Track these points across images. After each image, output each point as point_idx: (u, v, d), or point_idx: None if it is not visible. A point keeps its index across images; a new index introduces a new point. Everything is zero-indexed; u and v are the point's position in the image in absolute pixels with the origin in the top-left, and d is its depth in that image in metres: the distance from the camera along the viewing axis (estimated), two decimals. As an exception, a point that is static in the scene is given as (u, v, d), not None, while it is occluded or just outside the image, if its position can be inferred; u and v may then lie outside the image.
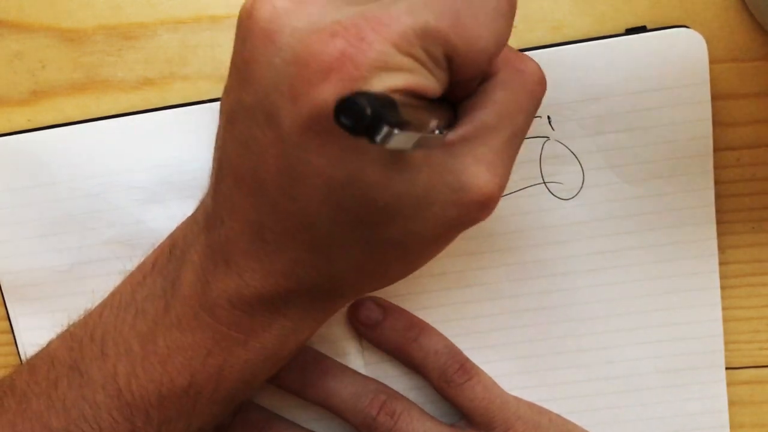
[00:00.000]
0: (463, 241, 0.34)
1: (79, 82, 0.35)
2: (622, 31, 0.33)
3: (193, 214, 0.29)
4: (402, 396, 0.35)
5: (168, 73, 0.35)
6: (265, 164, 0.24)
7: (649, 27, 0.32)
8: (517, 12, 0.33)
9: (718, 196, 0.34)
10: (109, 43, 0.35)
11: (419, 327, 0.35)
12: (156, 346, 0.27)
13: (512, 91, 0.25)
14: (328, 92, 0.21)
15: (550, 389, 0.35)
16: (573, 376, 0.35)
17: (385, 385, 0.35)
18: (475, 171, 0.24)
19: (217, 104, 0.33)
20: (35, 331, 0.36)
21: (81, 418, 0.27)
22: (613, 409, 0.35)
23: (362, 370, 0.36)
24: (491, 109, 0.25)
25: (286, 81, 0.22)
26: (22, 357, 0.36)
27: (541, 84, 0.26)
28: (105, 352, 0.28)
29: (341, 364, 0.35)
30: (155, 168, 0.34)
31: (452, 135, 0.24)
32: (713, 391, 0.35)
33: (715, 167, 0.33)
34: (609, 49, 0.32)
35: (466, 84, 0.25)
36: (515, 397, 0.35)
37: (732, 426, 0.35)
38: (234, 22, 0.34)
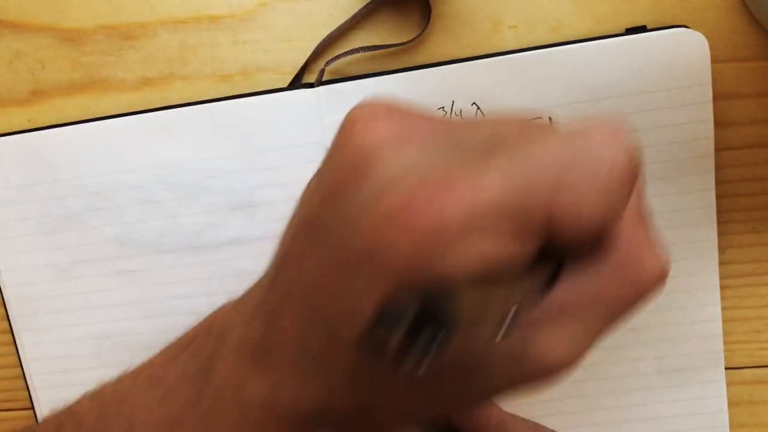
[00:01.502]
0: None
1: (79, 82, 0.35)
2: (622, 31, 0.33)
3: (242, 297, 0.27)
4: None
5: (168, 73, 0.35)
6: (329, 283, 0.22)
7: (649, 27, 0.32)
8: (518, 12, 0.33)
9: (719, 196, 0.34)
10: (109, 43, 0.35)
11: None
12: None
13: (618, 281, 0.22)
14: (405, 254, 0.19)
15: (549, 389, 0.35)
16: (572, 376, 0.35)
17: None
18: (544, 347, 0.22)
19: (217, 104, 0.34)
20: (35, 331, 0.36)
21: None
22: (613, 409, 0.35)
23: None
24: (585, 292, 0.22)
25: (365, 225, 0.20)
26: (22, 356, 0.36)
27: (657, 285, 0.23)
28: (132, 430, 0.27)
29: None
30: (155, 168, 0.34)
31: (535, 312, 0.22)
32: (713, 391, 0.35)
33: (716, 167, 0.33)
34: (609, 49, 0.32)
35: (570, 251, 0.22)
36: (512, 415, 0.35)
37: (732, 426, 0.35)
38: (234, 21, 0.34)
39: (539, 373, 0.22)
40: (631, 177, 0.21)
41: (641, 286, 0.23)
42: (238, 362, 0.25)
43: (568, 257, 0.22)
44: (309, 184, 0.24)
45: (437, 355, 0.16)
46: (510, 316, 0.20)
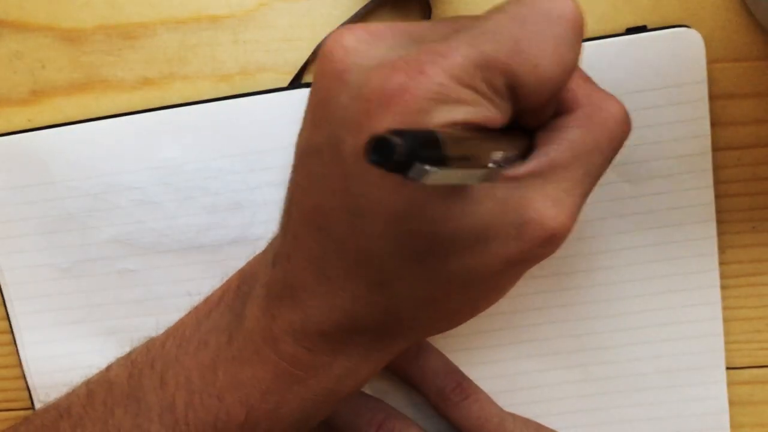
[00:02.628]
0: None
1: (79, 82, 0.35)
2: (623, 31, 0.33)
3: (263, 252, 0.28)
4: (400, 414, 0.35)
5: (168, 73, 0.35)
6: (330, 200, 0.24)
7: (649, 27, 0.32)
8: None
9: (718, 196, 0.34)
10: (109, 42, 0.35)
11: (418, 345, 0.35)
12: (215, 378, 0.27)
13: (589, 130, 0.24)
14: (387, 124, 0.21)
15: (549, 389, 0.35)
16: (573, 376, 0.35)
17: (384, 403, 0.35)
18: (539, 206, 0.23)
19: (217, 104, 0.34)
20: (35, 331, 0.36)
21: None
22: (613, 409, 0.35)
23: (365, 386, 0.36)
24: (564, 146, 0.24)
25: (351, 116, 0.22)
26: (22, 357, 0.36)
27: (623, 125, 0.25)
28: (164, 382, 0.27)
29: None
30: (154, 168, 0.34)
31: (519, 169, 0.24)
32: (713, 391, 0.35)
33: (716, 167, 0.33)
34: (609, 49, 0.32)
35: (537, 113, 0.24)
36: (512, 415, 0.35)
37: (732, 426, 0.35)
38: (234, 21, 0.34)
39: (542, 233, 0.23)
40: (580, 27, 0.23)
41: (611, 129, 0.25)
42: (267, 303, 0.26)
43: (541, 127, 0.25)
44: (299, 132, 0.26)
45: (437, 173, 0.18)
46: (492, 160, 0.22)
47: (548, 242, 0.24)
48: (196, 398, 0.27)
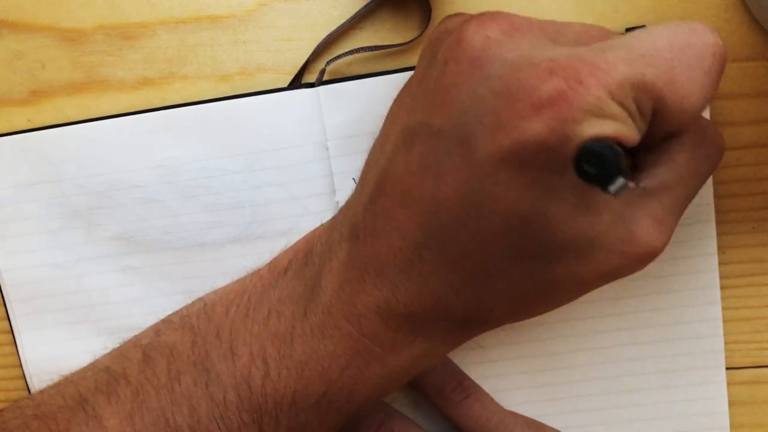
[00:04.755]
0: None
1: (79, 82, 0.35)
2: (623, 31, 0.33)
3: (331, 222, 0.28)
4: (400, 414, 0.35)
5: (168, 73, 0.35)
6: (445, 188, 0.24)
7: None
8: (518, 12, 0.33)
9: (719, 196, 0.34)
10: (109, 43, 0.35)
11: None
12: (293, 351, 0.27)
13: (694, 155, 0.25)
14: (538, 128, 0.22)
15: (550, 389, 0.35)
16: (573, 376, 0.35)
17: (384, 403, 0.35)
18: (645, 225, 0.24)
19: (217, 104, 0.34)
20: (36, 331, 0.36)
21: (208, 417, 0.27)
22: (613, 409, 0.35)
23: None
24: (672, 169, 0.25)
25: (491, 111, 0.22)
26: (22, 357, 0.36)
27: (720, 152, 0.26)
28: (235, 352, 0.27)
29: None
30: (155, 168, 0.34)
31: (637, 187, 0.24)
32: (713, 392, 0.35)
33: (715, 167, 0.33)
34: (609, 49, 0.32)
35: (656, 136, 0.25)
36: (513, 413, 0.35)
37: (732, 426, 0.35)
38: (234, 21, 0.34)
39: (643, 250, 0.24)
40: (724, 64, 0.24)
41: (713, 157, 0.26)
42: (347, 277, 0.26)
43: (648, 147, 0.25)
44: (399, 106, 0.26)
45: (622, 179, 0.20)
46: (623, 178, 0.22)
47: (645, 259, 0.25)
48: (273, 371, 0.27)
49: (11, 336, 0.36)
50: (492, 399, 0.35)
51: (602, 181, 0.18)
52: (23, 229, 0.35)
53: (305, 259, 0.28)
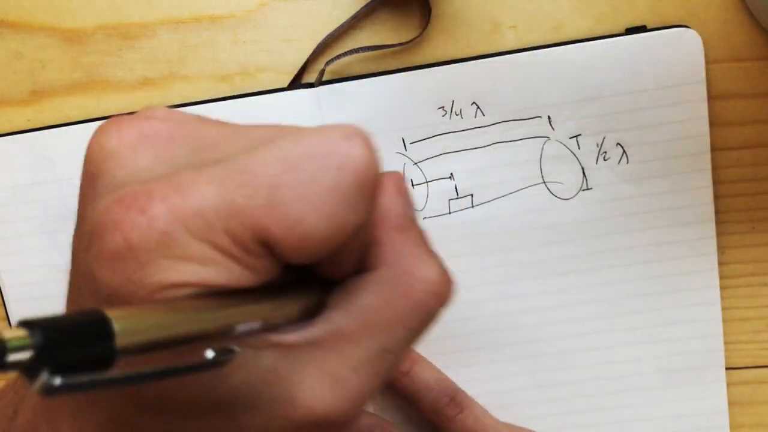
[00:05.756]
0: (463, 241, 0.34)
1: (79, 82, 0.35)
2: (622, 31, 0.33)
3: None
4: (397, 428, 0.35)
5: (168, 73, 0.35)
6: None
7: (649, 27, 0.33)
8: (518, 12, 0.33)
9: (718, 196, 0.34)
10: (109, 43, 0.35)
11: (411, 359, 0.34)
12: None
13: (388, 298, 0.20)
14: (106, 279, 0.18)
15: (550, 389, 0.35)
16: (573, 376, 0.35)
17: (379, 418, 0.35)
18: (312, 385, 0.19)
19: (217, 104, 0.34)
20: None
21: None
22: (613, 409, 0.35)
23: None
24: (354, 314, 0.20)
25: (82, 253, 0.19)
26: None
27: (437, 296, 0.20)
28: None
29: None
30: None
31: (291, 336, 0.19)
32: (713, 391, 0.35)
33: (715, 167, 0.33)
34: (609, 49, 0.32)
35: (328, 265, 0.20)
36: (507, 425, 0.35)
37: (732, 426, 0.35)
38: (234, 21, 0.34)
39: (311, 417, 0.19)
40: (367, 181, 0.18)
41: (418, 300, 0.20)
42: (33, 413, 0.23)
43: (337, 285, 0.20)
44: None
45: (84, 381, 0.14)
46: (241, 329, 0.18)
47: (319, 423, 0.19)
48: None
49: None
50: (486, 412, 0.35)
51: (28, 373, 0.13)
52: (21, 230, 0.35)
53: (13, 391, 0.25)
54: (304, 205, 0.18)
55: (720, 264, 0.34)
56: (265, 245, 0.18)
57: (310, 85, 0.33)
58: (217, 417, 0.19)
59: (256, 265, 0.18)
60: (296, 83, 0.34)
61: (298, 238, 0.18)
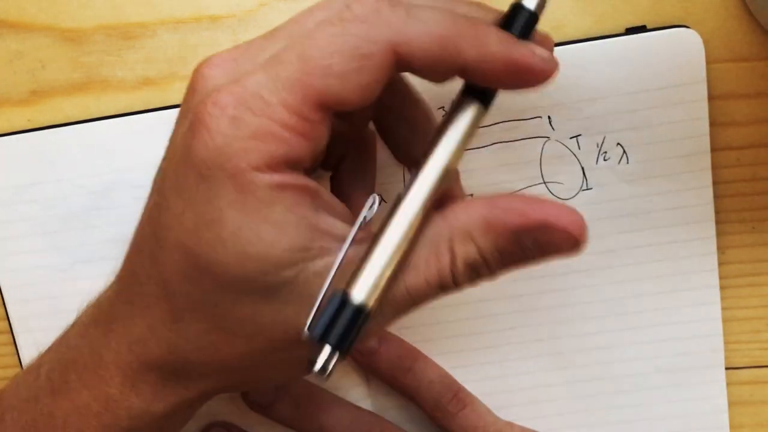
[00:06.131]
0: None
1: (79, 82, 0.35)
2: (622, 31, 0.33)
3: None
4: (396, 428, 0.35)
5: (168, 73, 0.35)
6: (143, 226, 0.25)
7: (648, 27, 0.33)
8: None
9: (718, 196, 0.34)
10: (109, 43, 0.35)
11: (413, 356, 0.34)
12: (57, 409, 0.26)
13: None
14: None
15: (550, 389, 0.35)
16: (573, 376, 0.35)
17: (379, 417, 0.35)
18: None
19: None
20: (35, 332, 0.36)
21: None
22: (613, 409, 0.35)
23: (366, 400, 0.35)
24: None
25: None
26: (22, 357, 0.36)
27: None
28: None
29: (335, 396, 0.35)
30: (155, 168, 0.34)
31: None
32: (713, 391, 0.35)
33: (715, 167, 0.33)
34: (609, 49, 0.32)
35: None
36: (509, 423, 0.35)
37: (732, 426, 0.35)
38: (234, 21, 0.34)
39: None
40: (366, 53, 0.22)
41: None
42: (90, 329, 0.27)
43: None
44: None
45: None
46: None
47: None
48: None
49: (11, 336, 0.36)
50: (488, 409, 0.35)
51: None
52: (21, 230, 0.35)
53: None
54: (329, 54, 0.22)
55: (720, 264, 0.34)
56: (315, 104, 0.22)
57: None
58: (258, 302, 0.23)
59: (311, 132, 0.22)
60: (296, 83, 0.34)
61: (337, 79, 0.22)
